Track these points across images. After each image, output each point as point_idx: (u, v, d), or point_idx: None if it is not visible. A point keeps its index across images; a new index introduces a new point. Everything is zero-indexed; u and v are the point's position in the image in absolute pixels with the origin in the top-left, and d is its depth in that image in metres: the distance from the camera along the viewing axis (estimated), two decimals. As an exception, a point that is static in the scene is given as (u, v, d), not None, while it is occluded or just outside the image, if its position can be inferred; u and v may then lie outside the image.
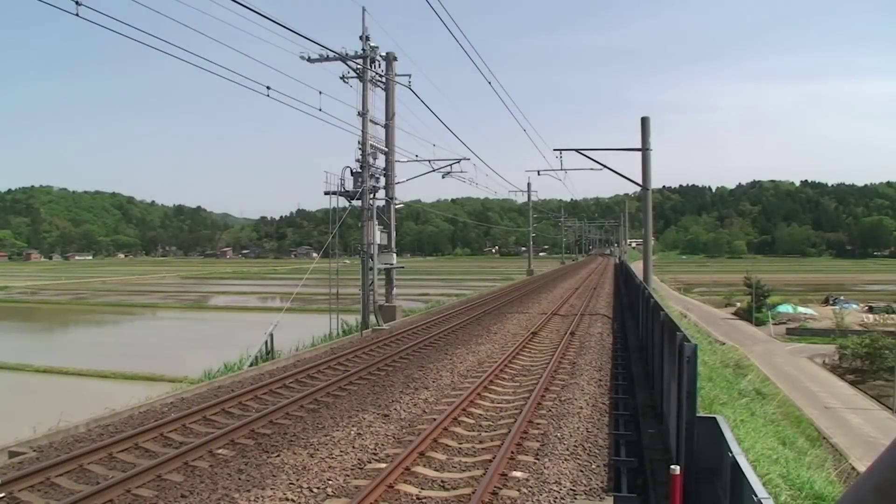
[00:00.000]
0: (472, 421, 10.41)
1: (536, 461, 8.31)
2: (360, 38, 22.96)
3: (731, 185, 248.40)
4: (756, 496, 4.39)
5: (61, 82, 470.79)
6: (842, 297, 63.98)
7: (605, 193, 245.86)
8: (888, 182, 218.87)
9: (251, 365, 16.76)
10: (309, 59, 22.28)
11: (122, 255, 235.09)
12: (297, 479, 7.72)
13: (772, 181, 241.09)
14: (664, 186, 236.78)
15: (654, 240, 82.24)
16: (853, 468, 18.74)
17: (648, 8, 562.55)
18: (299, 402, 11.36)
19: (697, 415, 6.41)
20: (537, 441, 9.17)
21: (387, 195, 25.41)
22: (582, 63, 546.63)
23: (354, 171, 23.20)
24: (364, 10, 22.92)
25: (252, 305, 60.77)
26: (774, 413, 21.46)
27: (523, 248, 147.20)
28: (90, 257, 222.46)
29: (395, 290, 26.21)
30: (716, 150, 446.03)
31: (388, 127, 25.19)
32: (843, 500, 1.41)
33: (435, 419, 10.05)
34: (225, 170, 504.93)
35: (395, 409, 11.04)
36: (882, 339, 37.95)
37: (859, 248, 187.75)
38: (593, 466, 8.12)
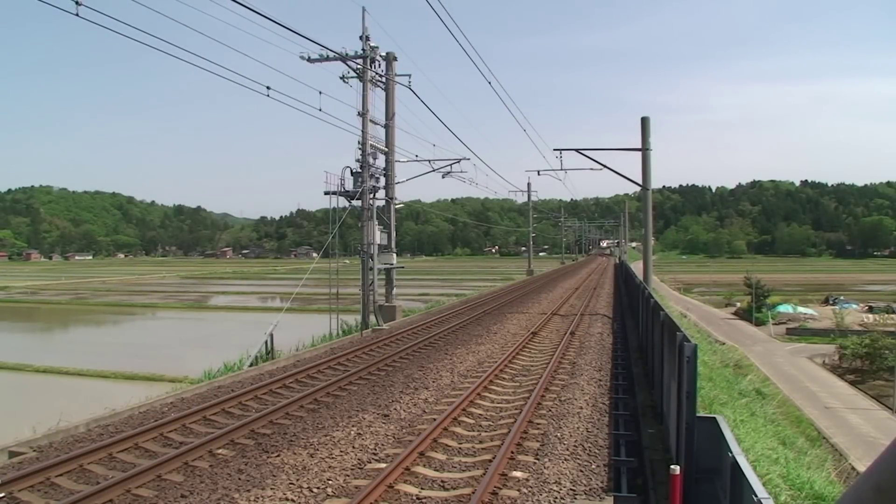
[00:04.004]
0: (472, 421, 10.40)
1: (536, 461, 8.31)
2: (360, 38, 22.96)
3: (731, 185, 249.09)
4: (756, 496, 4.39)
5: (61, 82, 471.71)
6: (842, 297, 63.95)
7: (605, 193, 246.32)
8: (888, 182, 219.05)
9: (251, 365, 16.76)
10: (309, 59, 22.28)
11: (122, 255, 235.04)
12: (297, 479, 7.72)
13: (772, 181, 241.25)
14: (664, 186, 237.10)
15: (654, 240, 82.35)
16: (853, 468, 18.73)
17: (648, 8, 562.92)
18: (299, 402, 11.36)
19: (697, 415, 6.42)
20: (537, 441, 9.16)
21: (387, 195, 25.41)
22: (582, 64, 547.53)
23: (354, 171, 23.20)
24: (364, 10, 22.94)
25: (252, 305, 60.76)
26: (774, 413, 21.46)
27: (523, 248, 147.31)
28: (90, 257, 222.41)
29: (394, 290, 26.20)
30: (716, 150, 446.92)
31: (388, 127, 25.19)
32: (844, 499, 1.41)
33: (435, 419, 10.05)
34: (225, 170, 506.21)
35: (395, 409, 11.03)
36: (882, 339, 37.93)
37: (859, 248, 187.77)
38: (593, 466, 8.12)
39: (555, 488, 7.38)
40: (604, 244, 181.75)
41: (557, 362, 14.97)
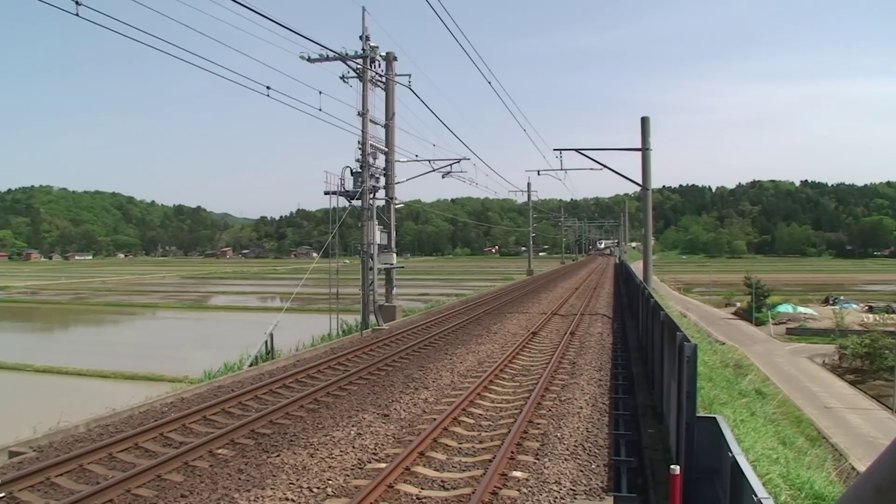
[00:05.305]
0: (472, 421, 10.40)
1: (536, 461, 8.31)
2: (360, 38, 22.96)
3: (731, 185, 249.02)
4: (756, 496, 4.39)
5: (61, 82, 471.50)
6: (842, 297, 63.99)
7: (605, 193, 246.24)
8: (888, 182, 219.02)
9: (251, 365, 16.76)
10: (309, 59, 22.28)
11: (122, 255, 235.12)
12: (297, 479, 7.72)
13: (772, 181, 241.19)
14: (664, 186, 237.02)
15: (654, 240, 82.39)
16: (853, 468, 18.74)
17: (647, 8, 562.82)
18: (299, 402, 11.36)
19: (697, 415, 6.42)
20: (537, 441, 9.16)
21: (387, 195, 25.41)
22: (581, 64, 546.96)
23: (354, 171, 23.20)
24: (364, 10, 22.95)
25: (252, 305, 60.77)
26: (774, 413, 21.46)
27: (523, 248, 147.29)
28: (90, 257, 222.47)
29: (394, 290, 26.20)
30: (716, 150, 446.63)
31: (388, 127, 25.19)
32: (844, 499, 1.41)
33: (435, 419, 10.05)
34: (225, 170, 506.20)
35: (395, 409, 11.03)
36: (882, 339, 37.95)
37: (859, 248, 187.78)
38: (593, 466, 8.12)
39: (555, 488, 7.38)
40: (601, 244, 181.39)
41: (557, 362, 14.96)
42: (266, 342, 18.62)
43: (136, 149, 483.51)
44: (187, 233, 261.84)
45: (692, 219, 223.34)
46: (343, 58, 22.39)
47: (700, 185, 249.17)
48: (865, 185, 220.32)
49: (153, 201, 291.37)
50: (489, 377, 13.15)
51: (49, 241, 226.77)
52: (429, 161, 29.62)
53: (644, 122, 24.28)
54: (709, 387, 16.80)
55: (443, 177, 30.87)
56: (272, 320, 19.46)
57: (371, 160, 23.33)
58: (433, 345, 18.34)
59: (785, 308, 57.63)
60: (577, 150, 24.99)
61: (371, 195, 23.53)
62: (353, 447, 8.97)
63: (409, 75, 25.36)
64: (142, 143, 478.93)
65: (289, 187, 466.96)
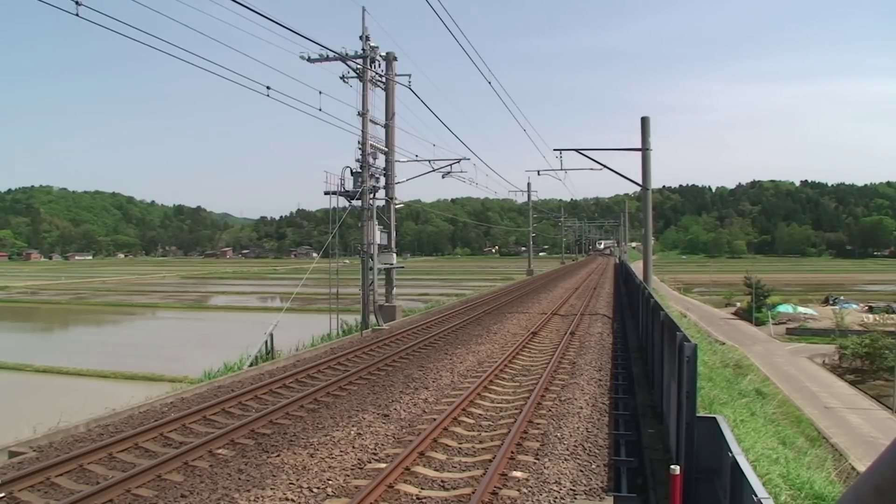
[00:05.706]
0: (471, 421, 10.40)
1: (536, 461, 8.31)
2: (360, 38, 22.95)
3: (731, 185, 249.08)
4: (756, 496, 4.39)
5: (61, 82, 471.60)
6: (842, 297, 63.99)
7: (605, 193, 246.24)
8: (888, 182, 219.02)
9: (251, 365, 16.76)
10: (309, 59, 22.27)
11: (122, 255, 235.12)
12: (297, 479, 7.72)
13: (772, 181, 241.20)
14: (664, 186, 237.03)
15: (654, 240, 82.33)
16: (853, 468, 18.74)
17: (647, 9, 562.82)
18: (299, 402, 11.36)
19: (697, 415, 6.42)
20: (537, 441, 9.16)
21: (387, 195, 25.40)
22: (581, 64, 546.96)
23: (354, 171, 23.19)
24: (364, 10, 22.94)
25: (252, 305, 60.78)
26: (774, 413, 21.46)
27: (523, 248, 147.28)
28: (90, 257, 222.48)
29: (394, 290, 26.20)
30: (716, 150, 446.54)
31: (388, 127, 25.18)
32: (844, 499, 1.41)
33: (435, 419, 10.05)
34: (225, 170, 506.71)
35: (395, 409, 11.03)
36: (882, 339, 37.97)
37: (859, 248, 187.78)
38: (593, 466, 8.12)
39: (555, 488, 7.38)
40: (601, 244, 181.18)
41: (557, 362, 14.96)
42: (266, 342, 18.62)
43: (136, 149, 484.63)
44: (187, 233, 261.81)
45: (692, 219, 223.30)
46: (343, 58, 22.38)
47: (700, 185, 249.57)
48: (865, 185, 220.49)
49: (153, 201, 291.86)
50: (489, 377, 13.15)
51: (49, 241, 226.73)
52: (429, 161, 29.64)
53: (644, 122, 24.27)
54: (709, 387, 16.80)
55: (443, 177, 30.89)
56: (272, 320, 19.45)
57: (371, 160, 23.32)
58: (433, 345, 18.34)
59: (785, 308, 57.64)
60: (577, 150, 24.99)
61: (371, 195, 23.52)
62: (353, 447, 8.97)
63: (409, 75, 25.40)
64: (142, 143, 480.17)
65: (289, 187, 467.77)
